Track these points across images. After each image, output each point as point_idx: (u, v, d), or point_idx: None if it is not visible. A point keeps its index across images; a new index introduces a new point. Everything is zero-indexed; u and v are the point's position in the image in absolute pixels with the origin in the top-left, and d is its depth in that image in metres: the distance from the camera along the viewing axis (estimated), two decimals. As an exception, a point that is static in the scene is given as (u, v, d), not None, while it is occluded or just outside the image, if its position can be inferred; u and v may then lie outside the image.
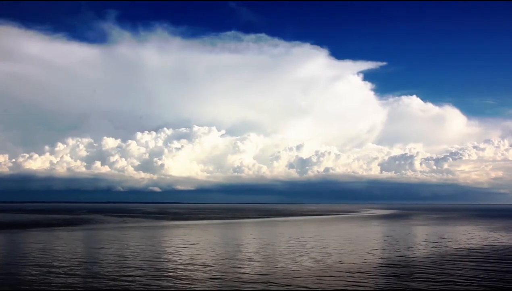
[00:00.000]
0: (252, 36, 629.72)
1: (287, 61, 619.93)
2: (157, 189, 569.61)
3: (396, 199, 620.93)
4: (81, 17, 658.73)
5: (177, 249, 41.67)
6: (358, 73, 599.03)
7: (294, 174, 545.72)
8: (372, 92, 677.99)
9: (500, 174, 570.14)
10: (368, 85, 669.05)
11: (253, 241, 49.74)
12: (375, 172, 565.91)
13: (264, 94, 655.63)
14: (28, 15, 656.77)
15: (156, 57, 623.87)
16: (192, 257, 35.65)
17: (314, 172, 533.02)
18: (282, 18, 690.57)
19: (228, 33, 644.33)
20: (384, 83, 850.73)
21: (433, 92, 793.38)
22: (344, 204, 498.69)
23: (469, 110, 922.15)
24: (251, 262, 33.11)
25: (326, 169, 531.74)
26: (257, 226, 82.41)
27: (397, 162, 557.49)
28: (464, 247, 43.57)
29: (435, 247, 43.49)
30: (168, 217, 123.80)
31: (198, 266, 31.17)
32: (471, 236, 57.86)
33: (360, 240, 50.67)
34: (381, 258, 35.83)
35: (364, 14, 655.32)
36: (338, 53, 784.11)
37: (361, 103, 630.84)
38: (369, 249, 41.35)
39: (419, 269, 30.26)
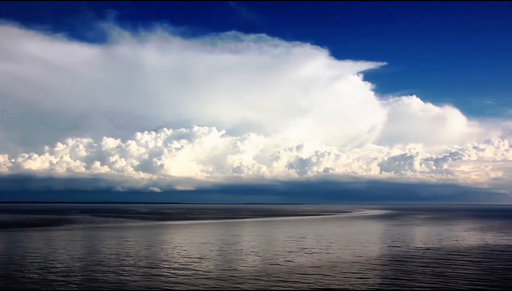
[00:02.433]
0: (252, 36, 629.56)
1: (287, 61, 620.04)
2: (156, 189, 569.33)
3: (396, 199, 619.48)
4: (81, 17, 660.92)
5: (135, 249, 41.37)
6: (358, 73, 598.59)
7: (293, 174, 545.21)
8: (372, 93, 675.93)
9: (500, 174, 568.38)
10: (368, 85, 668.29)
11: (224, 241, 49.37)
12: (374, 172, 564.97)
13: (264, 95, 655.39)
14: (28, 15, 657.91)
15: (156, 57, 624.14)
16: (143, 256, 35.38)
17: (314, 172, 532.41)
18: (282, 18, 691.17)
19: (228, 33, 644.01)
20: (384, 84, 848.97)
21: (433, 93, 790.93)
22: (343, 205, 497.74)
23: (469, 111, 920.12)
24: (200, 262, 32.79)
25: (326, 169, 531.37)
26: (241, 226, 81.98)
27: (396, 162, 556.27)
28: (421, 247, 43.18)
29: (392, 247, 43.09)
30: (156, 217, 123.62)
31: (138, 266, 30.89)
32: (444, 235, 57.44)
33: (322, 240, 50.29)
34: (310, 258, 35.50)
35: (364, 14, 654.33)
36: (338, 53, 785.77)
37: (361, 103, 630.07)
38: (319, 249, 41.04)
39: (345, 269, 29.91)
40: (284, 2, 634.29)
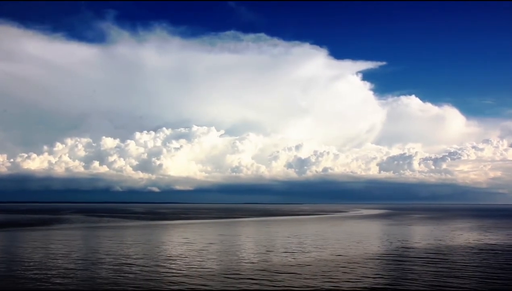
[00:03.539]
0: (251, 36, 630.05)
1: (287, 61, 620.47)
2: (155, 189, 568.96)
3: (395, 199, 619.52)
4: (80, 17, 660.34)
5: (113, 248, 41.35)
6: (357, 73, 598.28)
7: (292, 174, 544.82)
8: (371, 92, 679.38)
9: (498, 174, 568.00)
10: (367, 85, 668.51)
11: (206, 240, 49.27)
12: (373, 172, 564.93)
13: (263, 94, 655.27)
14: (27, 15, 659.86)
15: (155, 57, 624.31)
16: (126, 256, 35.34)
17: (313, 172, 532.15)
18: (281, 18, 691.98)
19: (228, 33, 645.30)
20: (383, 83, 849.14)
21: (432, 92, 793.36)
22: (342, 204, 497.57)
23: (468, 110, 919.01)
24: (167, 262, 32.75)
25: (325, 169, 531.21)
26: (230, 226, 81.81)
27: (395, 162, 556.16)
28: (400, 246, 43.12)
29: (372, 246, 43.04)
30: (149, 217, 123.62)
31: (121, 265, 30.85)
32: (427, 235, 57.39)
33: (306, 239, 50.23)
34: (290, 258, 35.45)
35: (364, 14, 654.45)
36: (338, 53, 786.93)
37: (361, 103, 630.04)
38: (297, 248, 41.01)
39: (316, 269, 29.87)
40: (283, 2, 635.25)
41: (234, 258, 35.45)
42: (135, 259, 34.59)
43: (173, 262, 33.03)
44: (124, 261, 33.20)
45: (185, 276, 27.40)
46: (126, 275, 27.67)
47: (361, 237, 55.33)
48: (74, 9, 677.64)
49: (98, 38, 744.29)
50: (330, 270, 29.63)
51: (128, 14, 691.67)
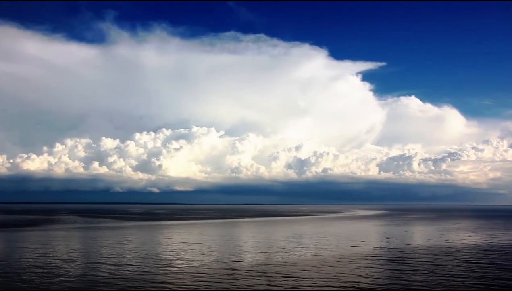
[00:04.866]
0: (251, 36, 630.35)
1: (286, 61, 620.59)
2: (155, 190, 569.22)
3: (395, 200, 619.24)
4: (79, 17, 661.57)
5: (92, 248, 41.39)
6: (357, 73, 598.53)
7: (292, 175, 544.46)
8: (371, 93, 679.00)
9: (498, 174, 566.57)
10: (367, 85, 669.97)
11: (189, 241, 49.28)
12: (373, 172, 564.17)
13: (263, 95, 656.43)
14: (27, 15, 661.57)
15: (155, 57, 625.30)
16: (97, 255, 35.37)
17: (313, 172, 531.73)
18: (281, 18, 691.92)
19: (227, 33, 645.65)
20: (383, 84, 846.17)
21: (432, 93, 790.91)
22: (341, 205, 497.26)
23: (468, 111, 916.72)
24: (138, 262, 32.76)
25: (325, 170, 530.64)
26: (220, 227, 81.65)
27: (395, 163, 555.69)
28: (377, 246, 43.08)
29: (352, 247, 42.99)
30: (142, 217, 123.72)
31: (99, 265, 30.88)
32: (408, 236, 57.30)
33: (290, 240, 50.19)
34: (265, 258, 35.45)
35: (363, 14, 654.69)
36: (337, 53, 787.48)
37: (360, 103, 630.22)
38: (277, 248, 41.00)
39: (284, 270, 29.85)
40: (283, 2, 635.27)
41: (208, 258, 35.43)
42: (116, 259, 34.62)
43: (152, 262, 33.05)
44: (102, 261, 33.22)
45: (167, 275, 27.43)
46: (103, 275, 27.70)
47: (342, 237, 55.27)
48: (74, 9, 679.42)
49: (97, 39, 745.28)
50: (286, 271, 29.62)
51: (128, 15, 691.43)
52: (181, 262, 33.52)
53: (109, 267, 31.01)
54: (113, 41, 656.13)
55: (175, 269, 30.35)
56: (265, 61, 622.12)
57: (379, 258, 35.94)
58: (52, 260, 34.10)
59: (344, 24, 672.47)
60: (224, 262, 33.25)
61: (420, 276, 27.58)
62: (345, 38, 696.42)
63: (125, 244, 46.77)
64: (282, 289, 24.17)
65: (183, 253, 38.99)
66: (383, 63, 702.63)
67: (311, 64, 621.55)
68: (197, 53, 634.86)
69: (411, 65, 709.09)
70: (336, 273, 28.75)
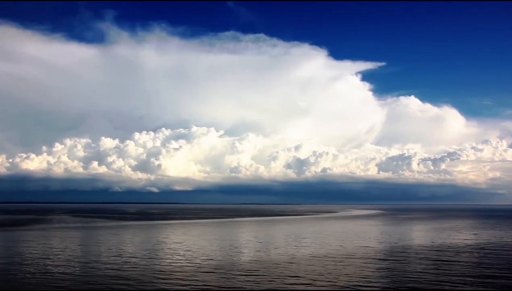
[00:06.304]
0: (251, 36, 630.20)
1: (286, 61, 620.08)
2: (154, 189, 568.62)
3: (394, 200, 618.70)
4: (79, 17, 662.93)
5: (71, 248, 41.13)
6: (356, 73, 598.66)
7: (291, 175, 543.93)
8: (371, 93, 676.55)
9: (498, 174, 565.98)
10: (366, 85, 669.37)
11: (171, 240, 49.00)
12: (372, 172, 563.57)
13: (263, 95, 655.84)
14: (26, 15, 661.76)
15: (155, 57, 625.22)
16: (73, 255, 35.09)
17: (312, 172, 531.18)
18: (281, 18, 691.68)
19: (227, 33, 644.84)
20: (383, 84, 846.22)
21: (431, 93, 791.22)
22: (341, 205, 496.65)
23: (467, 111, 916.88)
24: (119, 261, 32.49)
25: (324, 169, 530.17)
26: (209, 226, 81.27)
27: (394, 162, 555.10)
28: (360, 246, 42.77)
29: (336, 247, 42.71)
30: (134, 217, 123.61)
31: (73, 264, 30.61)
32: (394, 236, 57.02)
33: (272, 240, 49.91)
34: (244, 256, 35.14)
35: (363, 14, 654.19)
36: (337, 53, 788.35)
37: (360, 103, 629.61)
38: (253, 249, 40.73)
39: (254, 269, 29.55)
40: (282, 2, 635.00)
41: (181, 258, 35.16)
42: (86, 258, 34.35)
43: (122, 261, 32.76)
44: (79, 260, 32.96)
45: (153, 275, 27.15)
46: (83, 274, 27.42)
47: (324, 237, 54.98)
48: (73, 9, 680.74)
49: (97, 39, 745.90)
50: (255, 269, 29.31)
51: (127, 15, 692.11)
52: (160, 260, 33.24)
53: (77, 266, 30.73)
54: (112, 41, 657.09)
55: (143, 267, 30.05)
56: (265, 61, 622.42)
57: (348, 257, 35.62)
58: (22, 260, 33.84)
59: (344, 24, 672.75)
60: (192, 261, 32.96)
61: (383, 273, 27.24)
62: (345, 38, 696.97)
63: (102, 243, 46.48)
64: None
65: (159, 252, 38.72)
66: (383, 63, 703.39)
67: (311, 64, 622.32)
68: (197, 53, 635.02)
69: (410, 65, 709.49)
70: (302, 271, 28.44)
